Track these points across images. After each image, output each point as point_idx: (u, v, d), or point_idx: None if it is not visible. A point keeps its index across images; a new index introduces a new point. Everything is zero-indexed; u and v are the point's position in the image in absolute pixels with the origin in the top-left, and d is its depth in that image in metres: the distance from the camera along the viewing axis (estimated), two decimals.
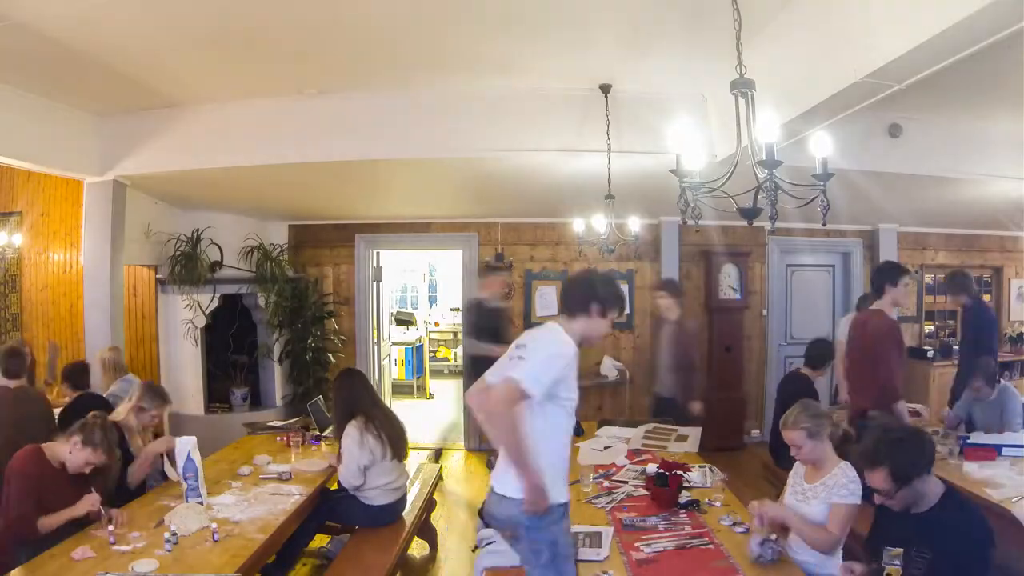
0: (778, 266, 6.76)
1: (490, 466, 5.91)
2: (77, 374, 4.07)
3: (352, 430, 3.38)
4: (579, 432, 3.81)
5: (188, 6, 3.01)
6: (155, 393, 3.33)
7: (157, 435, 3.48)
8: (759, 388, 6.70)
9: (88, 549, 2.42)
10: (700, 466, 3.31)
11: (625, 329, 6.61)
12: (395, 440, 3.47)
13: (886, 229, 6.67)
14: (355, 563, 3.10)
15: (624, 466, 3.43)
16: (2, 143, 3.96)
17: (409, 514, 3.68)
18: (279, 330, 6.10)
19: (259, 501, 3.03)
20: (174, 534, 2.52)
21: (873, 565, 2.19)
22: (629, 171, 4.33)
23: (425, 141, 4.33)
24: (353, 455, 3.35)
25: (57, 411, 4.08)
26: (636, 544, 2.51)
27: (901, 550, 2.09)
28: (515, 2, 3.08)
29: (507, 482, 2.20)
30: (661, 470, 2.98)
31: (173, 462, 3.13)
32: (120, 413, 3.27)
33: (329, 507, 3.47)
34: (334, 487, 3.58)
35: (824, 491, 2.47)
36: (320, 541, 3.87)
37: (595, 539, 2.54)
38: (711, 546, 2.52)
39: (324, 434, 4.26)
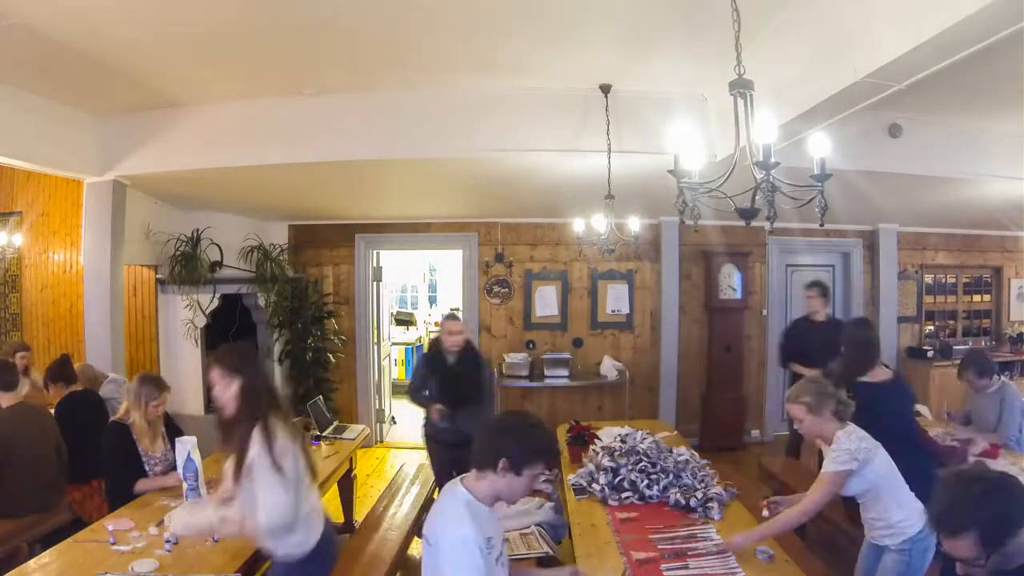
0: (778, 266, 6.76)
1: None
2: (63, 370, 4.03)
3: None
4: None
5: (188, 6, 3.00)
6: (152, 383, 3.26)
7: (168, 424, 3.44)
8: (759, 388, 6.70)
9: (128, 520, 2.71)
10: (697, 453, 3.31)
11: (625, 329, 6.62)
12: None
13: (886, 229, 6.68)
14: (356, 562, 3.10)
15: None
16: (2, 143, 3.96)
17: (409, 514, 3.68)
18: (279, 330, 6.11)
19: None
20: (174, 534, 2.52)
21: None
22: (629, 171, 4.33)
23: (425, 141, 4.33)
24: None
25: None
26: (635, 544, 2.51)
27: None
28: (515, 3, 3.08)
29: None
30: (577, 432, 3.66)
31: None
32: (122, 412, 3.24)
33: None
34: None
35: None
36: None
37: None
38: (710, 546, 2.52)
39: (324, 434, 4.26)
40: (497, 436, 1.96)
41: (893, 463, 2.47)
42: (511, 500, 2.03)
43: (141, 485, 3.12)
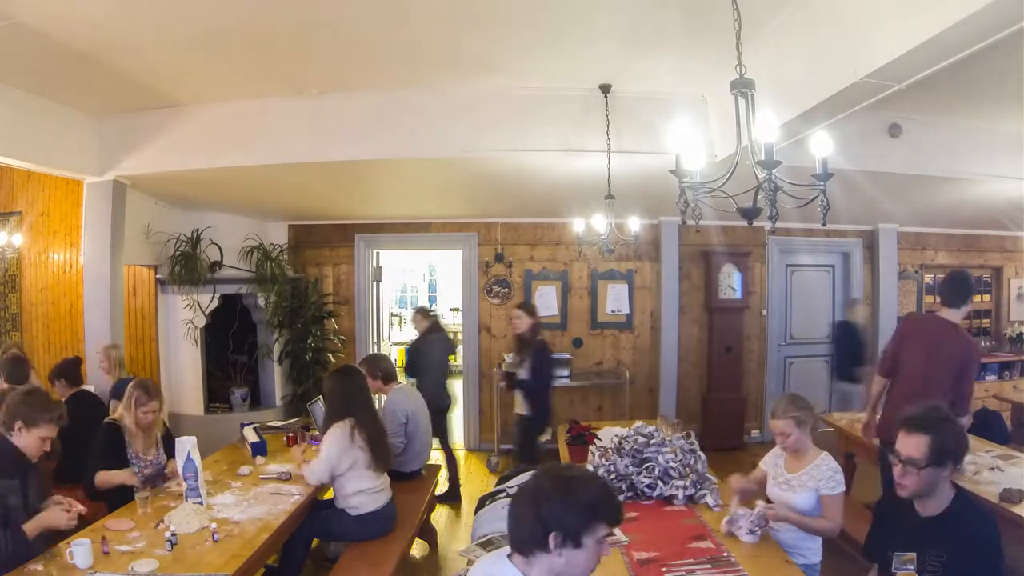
0: (778, 266, 6.76)
1: (490, 466, 5.94)
2: (71, 370, 4.02)
3: (338, 432, 3.21)
4: None
5: (188, 6, 3.00)
6: (142, 388, 3.27)
7: (165, 435, 3.46)
8: (759, 388, 6.70)
9: (128, 520, 2.71)
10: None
11: (625, 329, 6.62)
12: (378, 451, 3.29)
13: (886, 229, 6.69)
14: (358, 562, 3.10)
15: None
16: (2, 143, 3.96)
17: (410, 515, 3.68)
18: (279, 330, 6.11)
19: (259, 501, 3.04)
20: (174, 534, 2.52)
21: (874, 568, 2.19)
22: (629, 171, 4.33)
23: (425, 141, 4.33)
24: (330, 458, 3.18)
25: None
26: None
27: (914, 554, 1.97)
28: (516, 2, 3.08)
29: None
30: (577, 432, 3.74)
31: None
32: (116, 414, 3.28)
33: (319, 523, 3.33)
34: (328, 495, 3.52)
35: (810, 481, 2.58)
36: None
37: None
38: (711, 546, 2.52)
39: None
40: (535, 506, 1.49)
41: None
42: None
43: (99, 477, 3.12)
